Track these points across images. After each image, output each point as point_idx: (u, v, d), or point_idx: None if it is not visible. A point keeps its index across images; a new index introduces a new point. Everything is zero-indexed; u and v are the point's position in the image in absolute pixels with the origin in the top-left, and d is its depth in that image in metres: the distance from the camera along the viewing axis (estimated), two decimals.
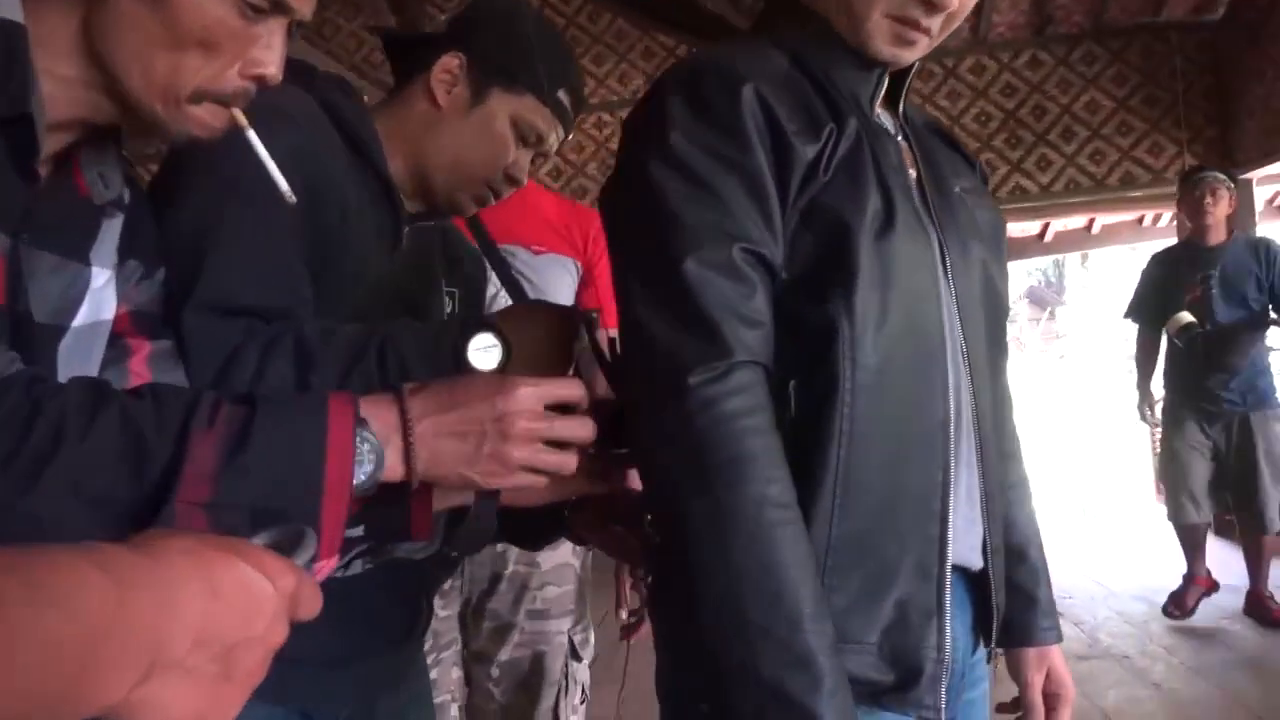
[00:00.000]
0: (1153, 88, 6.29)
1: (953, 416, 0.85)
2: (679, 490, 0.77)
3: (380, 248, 1.08)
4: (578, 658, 1.74)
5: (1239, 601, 4.02)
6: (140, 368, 0.82)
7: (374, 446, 0.72)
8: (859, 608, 0.80)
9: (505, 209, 1.72)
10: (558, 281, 1.73)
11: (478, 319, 0.94)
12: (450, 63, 1.12)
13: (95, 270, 0.77)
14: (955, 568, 0.86)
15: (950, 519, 0.83)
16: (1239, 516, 4.00)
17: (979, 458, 0.89)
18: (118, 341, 0.81)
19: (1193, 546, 3.95)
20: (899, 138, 0.93)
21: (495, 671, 1.70)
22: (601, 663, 1.84)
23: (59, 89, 0.69)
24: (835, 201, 0.81)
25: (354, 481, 0.70)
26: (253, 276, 0.88)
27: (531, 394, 0.78)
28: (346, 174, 1.03)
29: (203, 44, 0.71)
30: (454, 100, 1.13)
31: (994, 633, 0.94)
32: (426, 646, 1.63)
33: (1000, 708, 1.07)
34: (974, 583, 0.92)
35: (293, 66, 0.84)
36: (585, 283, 1.78)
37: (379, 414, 0.74)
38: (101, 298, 0.78)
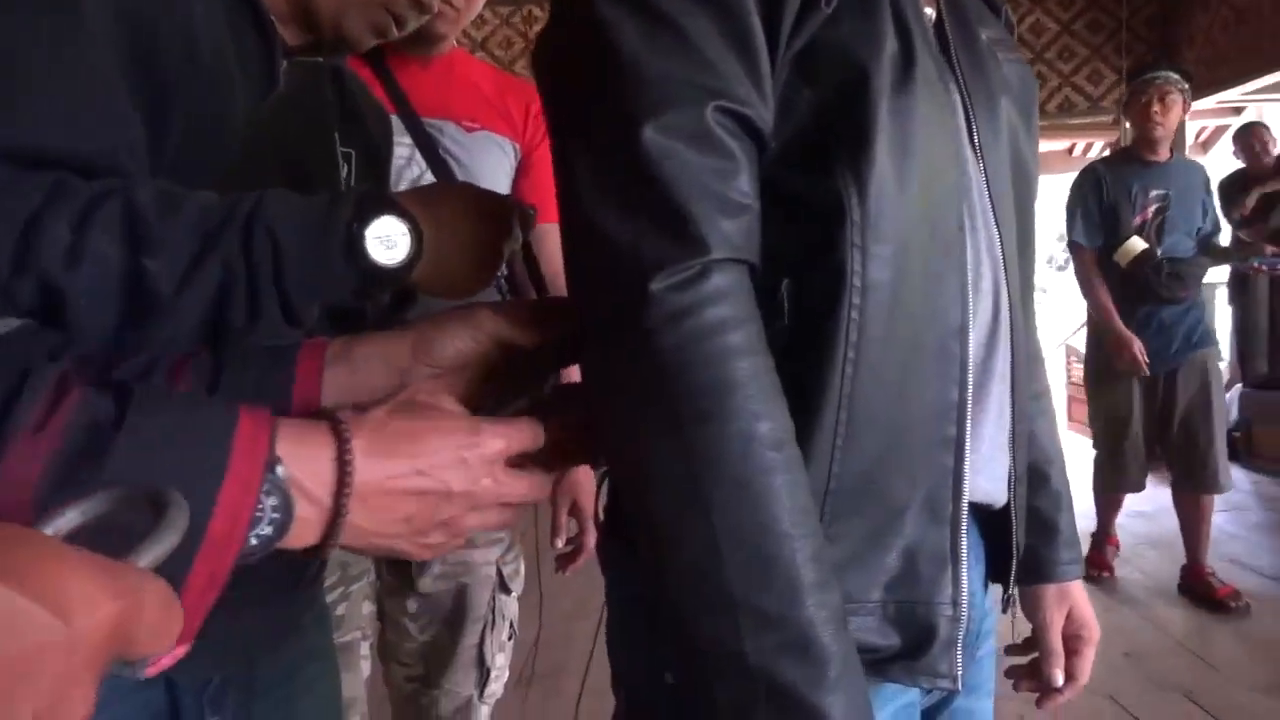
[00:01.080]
0: (1097, 12, 6.22)
1: (978, 320, 0.69)
2: (640, 430, 0.59)
3: (248, 89, 0.84)
4: (506, 590, 1.58)
5: (1161, 569, 3.67)
6: None
7: (282, 503, 0.51)
8: (859, 560, 0.65)
9: (431, 77, 1.50)
10: (492, 164, 1.51)
11: (381, 195, 0.74)
12: None
13: None
14: (971, 504, 0.72)
15: (968, 446, 0.68)
16: (1182, 477, 3.36)
17: (1012, 368, 0.74)
18: None
19: (1115, 507, 3.51)
20: None
21: (413, 606, 1.53)
22: (529, 589, 1.69)
23: None
24: (844, 40, 0.62)
25: (240, 549, 0.49)
26: (58, 110, 0.62)
27: (501, 446, 0.59)
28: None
29: None
30: None
31: (1012, 575, 0.80)
32: (334, 579, 1.45)
33: (1010, 649, 0.95)
34: (992, 520, 0.77)
35: None
36: (523, 170, 1.56)
37: (305, 453, 0.53)
38: None
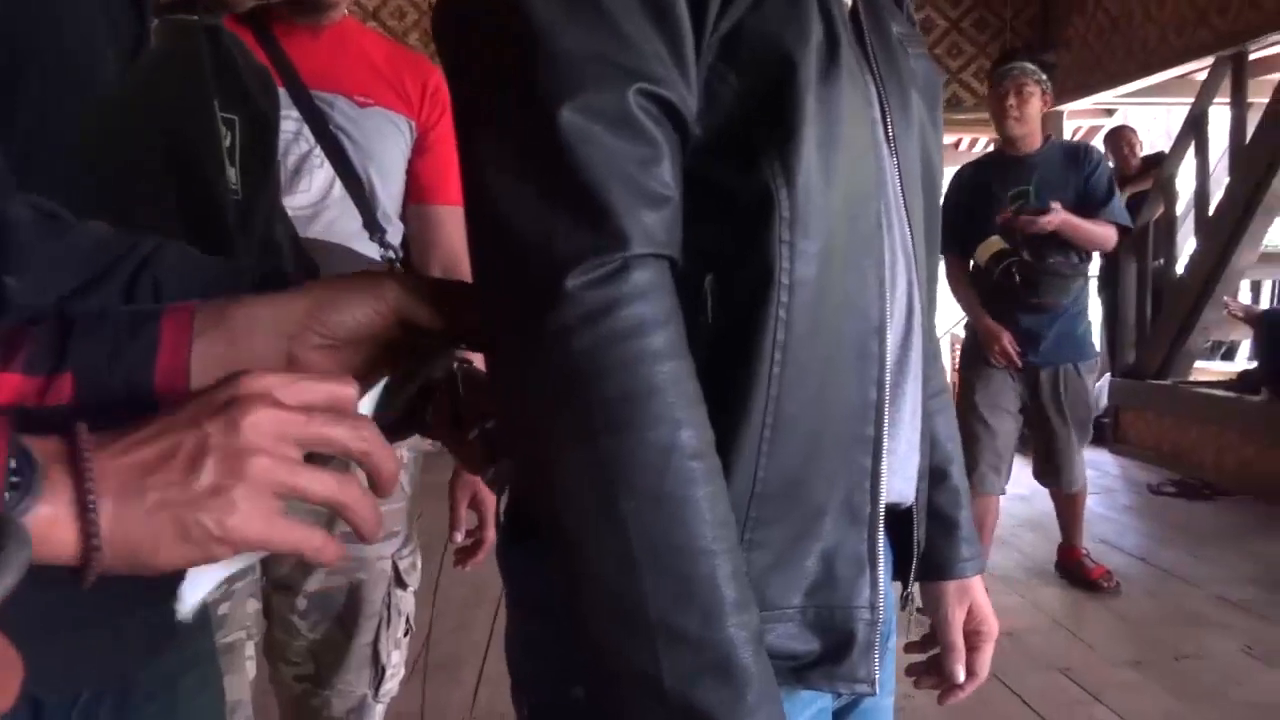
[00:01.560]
0: (984, 11, 6.43)
1: (894, 318, 0.69)
2: (550, 438, 0.55)
3: (113, 48, 0.75)
4: (402, 585, 1.52)
5: (1038, 549, 3.80)
6: None
7: (27, 482, 0.43)
8: (781, 565, 0.63)
9: (321, 48, 1.42)
10: (386, 142, 1.44)
11: (279, 271, 0.67)
12: None
13: None
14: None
15: (885, 446, 0.67)
16: (1040, 472, 3.45)
17: (922, 365, 0.74)
18: None
19: (986, 514, 3.28)
20: None
21: (302, 603, 1.46)
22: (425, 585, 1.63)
23: None
24: (770, 27, 0.60)
25: None
26: None
27: (277, 412, 0.48)
28: None
29: None
30: None
31: (913, 572, 0.80)
32: None
33: (909, 647, 0.95)
34: (895, 519, 0.77)
35: None
36: (419, 149, 1.50)
37: (41, 445, 0.45)
38: None
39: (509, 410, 0.59)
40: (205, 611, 1.00)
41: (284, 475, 0.47)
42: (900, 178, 0.71)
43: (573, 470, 0.54)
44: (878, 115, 0.70)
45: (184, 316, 0.58)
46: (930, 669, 0.92)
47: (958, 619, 0.89)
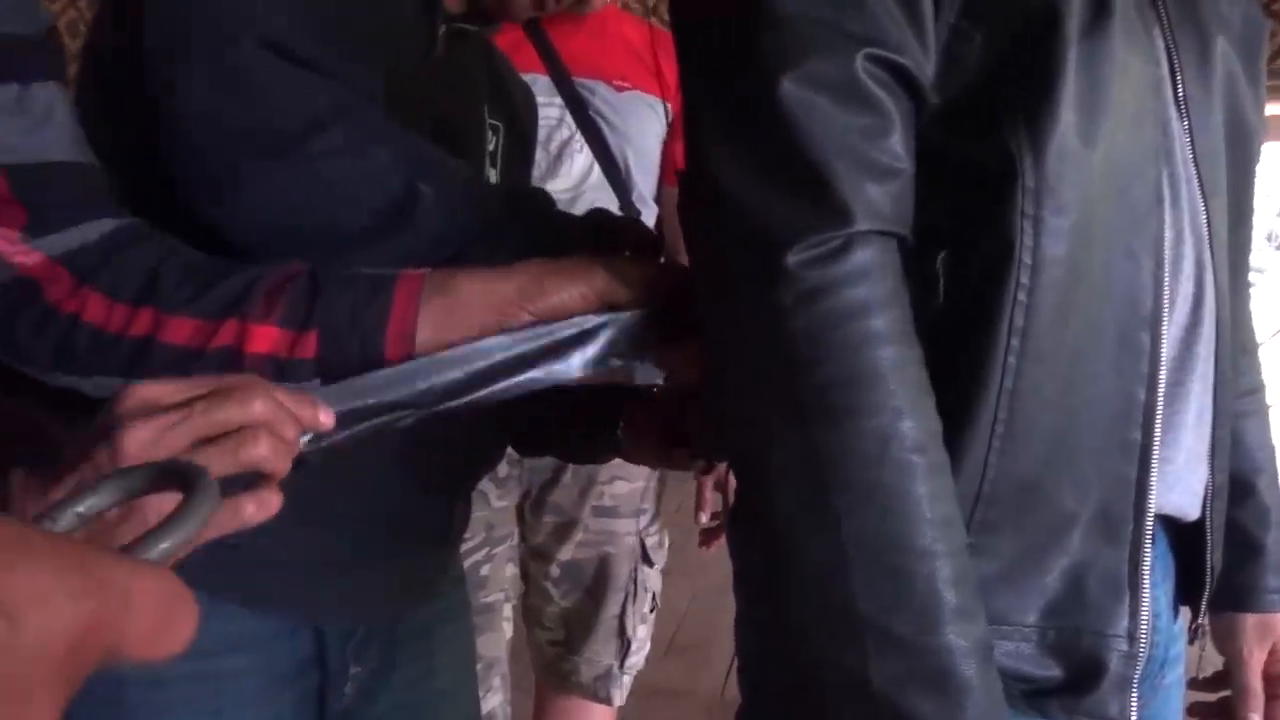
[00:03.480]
0: None
1: (1175, 308, 0.59)
2: (763, 424, 0.52)
3: (409, 47, 0.84)
4: (649, 562, 1.55)
5: None
6: None
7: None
8: (1014, 577, 0.56)
9: (582, 35, 1.46)
10: (643, 125, 1.46)
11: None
12: None
13: None
14: (1159, 517, 0.62)
15: (1155, 455, 0.58)
16: None
17: (1216, 365, 0.63)
18: None
19: None
20: None
21: (555, 571, 1.53)
22: (673, 553, 1.66)
23: None
24: None
25: None
26: (308, 23, 0.66)
27: None
28: None
29: None
30: None
31: (1204, 599, 0.69)
32: (478, 540, 1.47)
33: (1196, 684, 0.83)
34: (1183, 535, 0.67)
35: None
36: (674, 132, 1.51)
37: None
38: None
39: (719, 393, 0.57)
40: (461, 573, 1.07)
41: None
42: (1193, 145, 0.61)
43: (783, 457, 0.52)
44: (1165, 72, 0.60)
45: (415, 285, 0.63)
46: (1219, 713, 0.80)
47: (1257, 659, 0.76)
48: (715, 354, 0.56)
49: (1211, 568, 0.67)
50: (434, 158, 0.71)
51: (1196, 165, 0.61)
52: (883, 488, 0.49)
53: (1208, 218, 0.62)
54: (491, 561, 1.48)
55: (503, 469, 1.48)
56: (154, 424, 0.49)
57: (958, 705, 0.48)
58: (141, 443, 0.48)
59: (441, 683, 0.98)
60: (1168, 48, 0.61)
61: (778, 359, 0.51)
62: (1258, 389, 0.80)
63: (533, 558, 1.55)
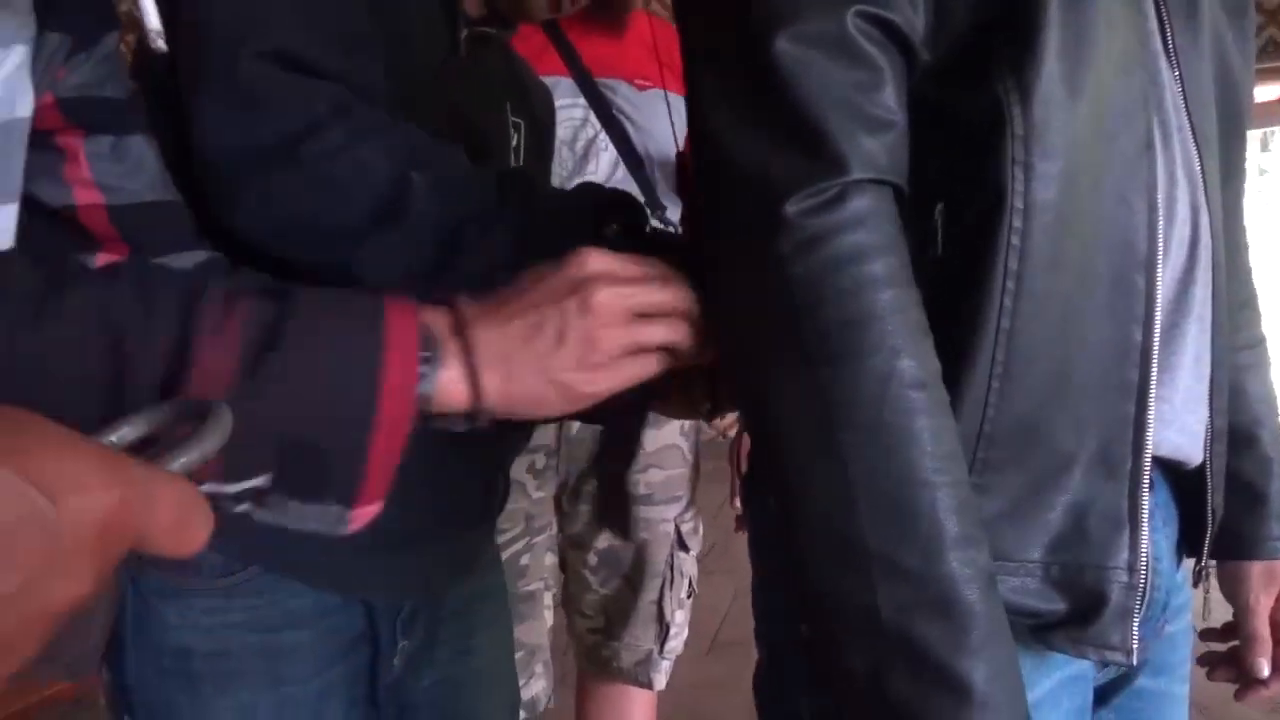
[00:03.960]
0: None
1: (1170, 251, 0.61)
2: (768, 367, 0.55)
3: (432, 49, 0.88)
4: (685, 548, 1.58)
5: None
6: (81, 176, 0.65)
7: (431, 347, 0.55)
8: (1018, 515, 0.58)
9: (605, 36, 1.51)
10: (664, 122, 1.50)
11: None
12: None
13: (18, 52, 0.59)
14: (1160, 461, 0.63)
15: (1152, 394, 0.60)
16: None
17: (1212, 309, 0.65)
18: (45, 142, 0.63)
19: None
20: None
21: (593, 559, 1.57)
22: (716, 554, 1.68)
23: None
24: None
25: (415, 395, 0.54)
26: (321, 31, 0.70)
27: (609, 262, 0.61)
28: None
29: None
30: None
31: (1206, 545, 0.70)
32: (518, 530, 1.51)
33: (1205, 634, 0.84)
34: (1184, 482, 0.69)
35: None
36: None
37: (432, 316, 0.57)
38: (11, 88, 0.60)
39: (727, 340, 0.60)
40: (496, 554, 1.11)
41: (628, 339, 0.59)
42: (1184, 93, 0.63)
43: (789, 400, 0.54)
44: (1153, 25, 0.62)
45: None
46: (1229, 661, 0.81)
47: (1263, 606, 0.77)
48: (722, 304, 0.59)
49: (1213, 510, 0.69)
50: (426, 146, 0.74)
51: (1189, 113, 0.63)
52: (884, 424, 0.51)
53: (1201, 165, 0.64)
54: (531, 551, 1.51)
55: (540, 460, 1.52)
56: (618, 293, 0.59)
57: (962, 629, 0.50)
58: (608, 309, 0.58)
59: (481, 660, 1.02)
60: (1156, 2, 0.63)
61: (780, 305, 0.54)
62: (1259, 341, 0.81)
63: (571, 547, 1.59)
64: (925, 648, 0.50)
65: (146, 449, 0.36)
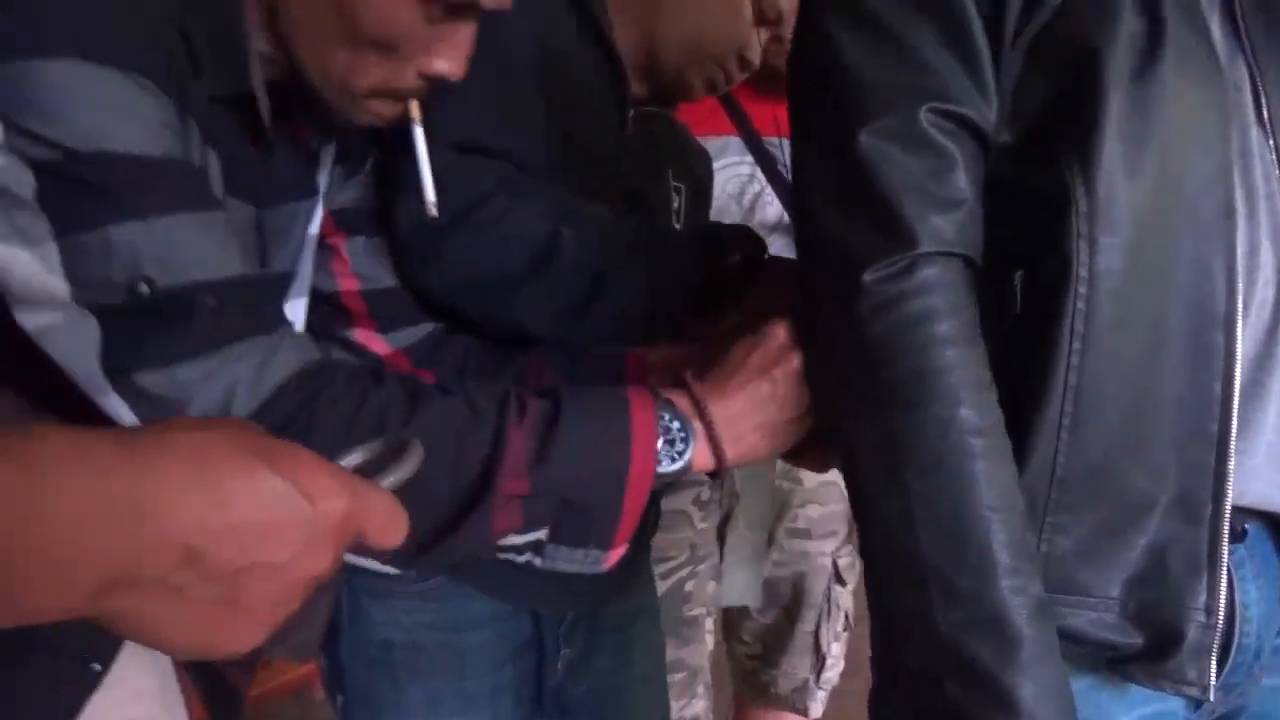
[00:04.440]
0: None
1: (1253, 309, 0.65)
2: (849, 412, 0.64)
3: (607, 128, 1.04)
4: (841, 582, 1.64)
5: None
6: (344, 269, 0.83)
7: (685, 429, 0.70)
8: (1095, 553, 0.64)
9: (769, 99, 1.62)
10: None
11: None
12: None
13: (320, 196, 0.79)
14: (1255, 511, 0.67)
15: (1233, 445, 0.63)
16: None
17: None
18: (322, 244, 0.82)
19: None
20: None
21: None
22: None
23: (260, 62, 0.67)
24: (1074, 27, 0.62)
25: (658, 470, 0.69)
26: (496, 120, 0.85)
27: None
28: (576, 47, 1.00)
29: (382, 44, 0.66)
30: None
31: None
32: (683, 558, 1.61)
33: None
34: None
35: None
36: None
37: (679, 401, 0.71)
38: (314, 212, 0.78)
39: (817, 383, 0.69)
40: (650, 575, 1.22)
41: (808, 399, 0.72)
42: (1278, 160, 0.67)
43: (864, 441, 0.63)
44: (1248, 98, 0.67)
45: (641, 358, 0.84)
46: None
47: None
48: (813, 358, 0.69)
49: None
50: (572, 206, 0.88)
51: None
52: (945, 465, 0.59)
53: None
54: (695, 578, 1.61)
55: (705, 493, 1.62)
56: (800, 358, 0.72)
57: (1012, 649, 0.57)
58: (799, 368, 0.71)
59: (635, 671, 1.14)
60: (1251, 73, 0.67)
61: (859, 360, 0.63)
62: None
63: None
64: (976, 662, 0.57)
65: (367, 470, 0.49)
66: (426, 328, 0.87)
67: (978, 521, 0.58)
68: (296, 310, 0.79)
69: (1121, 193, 0.61)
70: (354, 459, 0.50)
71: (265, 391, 0.60)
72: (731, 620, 1.69)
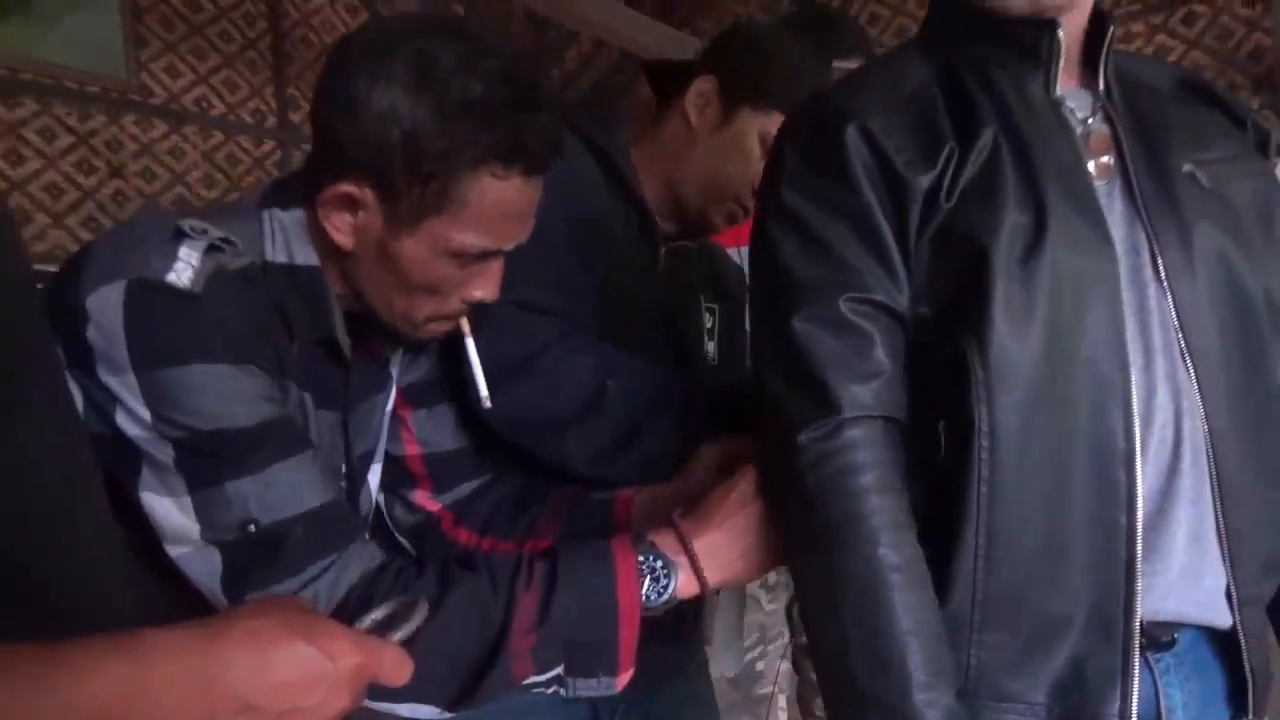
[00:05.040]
0: None
1: (1151, 447, 0.74)
2: (794, 548, 0.78)
3: (640, 269, 1.20)
4: None
5: None
6: (410, 435, 1.02)
7: (667, 566, 0.84)
8: (1021, 664, 0.74)
9: None
10: None
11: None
12: (704, 85, 1.20)
13: (393, 385, 0.98)
14: (1174, 624, 0.76)
15: (1140, 568, 0.73)
16: None
17: (1215, 490, 0.76)
18: (394, 415, 1.01)
19: None
20: (1093, 118, 0.81)
21: None
22: None
23: (339, 303, 0.87)
24: (966, 225, 0.75)
25: (645, 604, 0.83)
26: (547, 283, 1.02)
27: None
28: (608, 205, 1.17)
29: (429, 289, 0.84)
30: (706, 120, 1.20)
31: (1250, 704, 0.79)
32: (753, 639, 1.73)
33: None
34: (1224, 641, 0.79)
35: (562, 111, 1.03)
36: None
37: (664, 540, 0.86)
38: (390, 393, 0.98)
39: (772, 522, 0.83)
40: (704, 660, 1.35)
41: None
42: (1176, 311, 0.76)
43: (807, 574, 0.76)
44: (1146, 259, 0.77)
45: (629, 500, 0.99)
46: None
47: None
48: (768, 500, 0.82)
49: (1252, 670, 0.78)
50: (618, 360, 1.04)
51: (1180, 329, 0.76)
52: (870, 596, 0.71)
53: (1194, 369, 0.75)
54: (765, 658, 1.72)
55: (771, 577, 1.74)
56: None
57: None
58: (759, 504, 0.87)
59: None
60: (1149, 235, 0.77)
61: (800, 506, 0.76)
62: None
63: (803, 654, 1.77)
64: None
65: (389, 623, 0.66)
66: (466, 489, 1.05)
67: (896, 644, 0.70)
68: (374, 474, 0.98)
69: (1012, 358, 0.72)
70: (378, 615, 0.66)
71: (339, 595, 0.77)
72: (804, 694, 1.79)
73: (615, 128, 1.21)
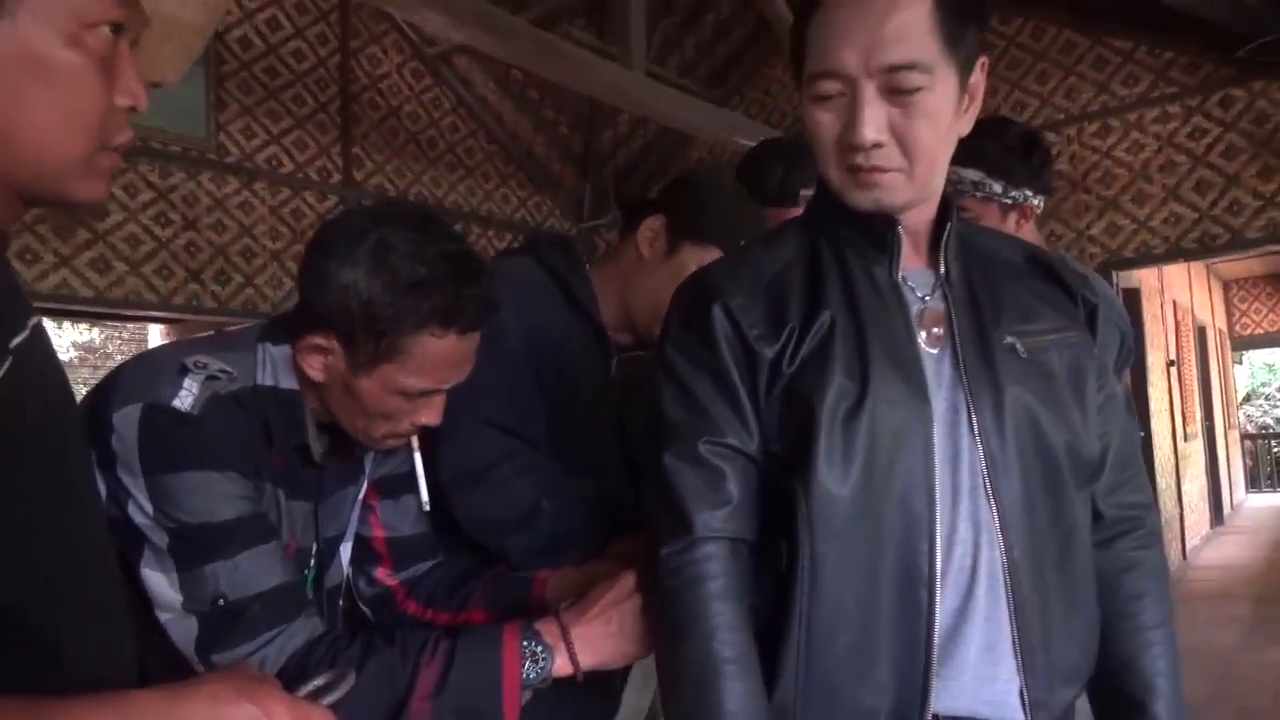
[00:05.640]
0: None
1: (950, 573, 0.90)
2: (661, 638, 0.96)
3: (595, 378, 1.41)
4: None
5: None
6: (377, 521, 1.24)
7: (546, 650, 1.02)
8: None
9: None
10: None
11: None
12: (654, 222, 1.42)
13: (365, 478, 1.20)
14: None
15: (934, 671, 0.89)
16: None
17: (1011, 611, 0.91)
18: (365, 503, 1.22)
19: None
20: (930, 295, 0.98)
21: None
22: None
23: (314, 418, 1.10)
24: (802, 387, 0.93)
25: (525, 681, 1.01)
26: (509, 405, 1.25)
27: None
28: (567, 325, 1.38)
29: (384, 416, 1.07)
30: (655, 251, 1.43)
31: None
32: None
33: None
34: None
35: (526, 241, 1.28)
36: None
37: (547, 628, 1.05)
38: (361, 484, 1.21)
39: (646, 611, 1.02)
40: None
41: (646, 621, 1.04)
42: (986, 460, 0.93)
43: (661, 660, 0.94)
44: (963, 414, 0.94)
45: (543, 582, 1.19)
46: None
47: None
48: (646, 597, 1.00)
49: None
50: (558, 483, 1.26)
51: (987, 475, 0.92)
52: (705, 680, 0.89)
53: (999, 514, 0.91)
54: None
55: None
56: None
57: None
58: (640, 602, 1.07)
59: None
60: (967, 395, 0.93)
61: (662, 604, 0.94)
62: (1158, 624, 1.01)
63: None
64: None
65: (324, 689, 0.85)
66: (420, 569, 1.27)
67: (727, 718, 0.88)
68: (345, 551, 1.19)
69: (832, 497, 0.90)
70: (317, 682, 0.86)
71: (283, 659, 0.98)
72: None
73: (578, 258, 1.42)
